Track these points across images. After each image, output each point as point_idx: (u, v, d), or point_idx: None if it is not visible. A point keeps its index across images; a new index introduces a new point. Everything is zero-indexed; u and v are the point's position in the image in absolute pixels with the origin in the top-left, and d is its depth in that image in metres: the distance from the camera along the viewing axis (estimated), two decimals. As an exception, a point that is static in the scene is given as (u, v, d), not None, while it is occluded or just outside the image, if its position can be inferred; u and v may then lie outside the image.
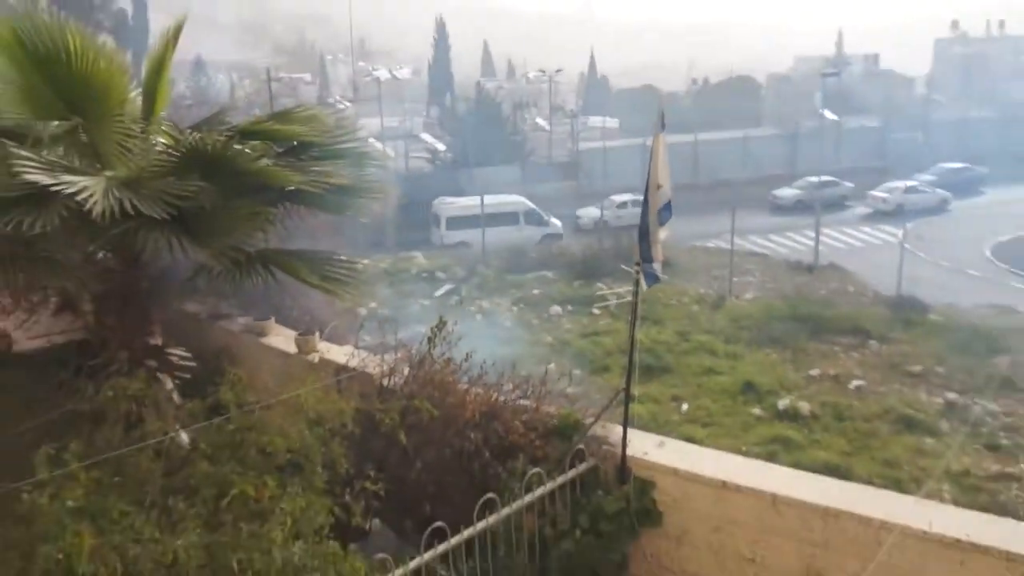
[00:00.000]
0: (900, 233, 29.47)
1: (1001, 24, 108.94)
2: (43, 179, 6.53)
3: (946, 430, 15.96)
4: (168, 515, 4.77)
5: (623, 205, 41.30)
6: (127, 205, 6.54)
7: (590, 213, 41.73)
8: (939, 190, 45.76)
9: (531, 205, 42.03)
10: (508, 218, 40.23)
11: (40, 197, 6.49)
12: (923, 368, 19.65)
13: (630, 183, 42.63)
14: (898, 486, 11.88)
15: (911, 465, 14.23)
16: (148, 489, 5.03)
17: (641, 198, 7.14)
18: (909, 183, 45.81)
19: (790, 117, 71.04)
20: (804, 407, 17.15)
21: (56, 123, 7.70)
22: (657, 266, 7.09)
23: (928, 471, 13.28)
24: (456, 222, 39.84)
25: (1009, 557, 5.27)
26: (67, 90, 7.60)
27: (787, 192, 47.14)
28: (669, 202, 7.00)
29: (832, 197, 43.94)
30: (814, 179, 42.06)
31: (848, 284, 29.40)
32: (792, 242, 37.60)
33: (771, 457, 12.53)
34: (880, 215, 43.04)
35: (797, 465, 8.54)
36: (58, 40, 7.41)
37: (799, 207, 44.14)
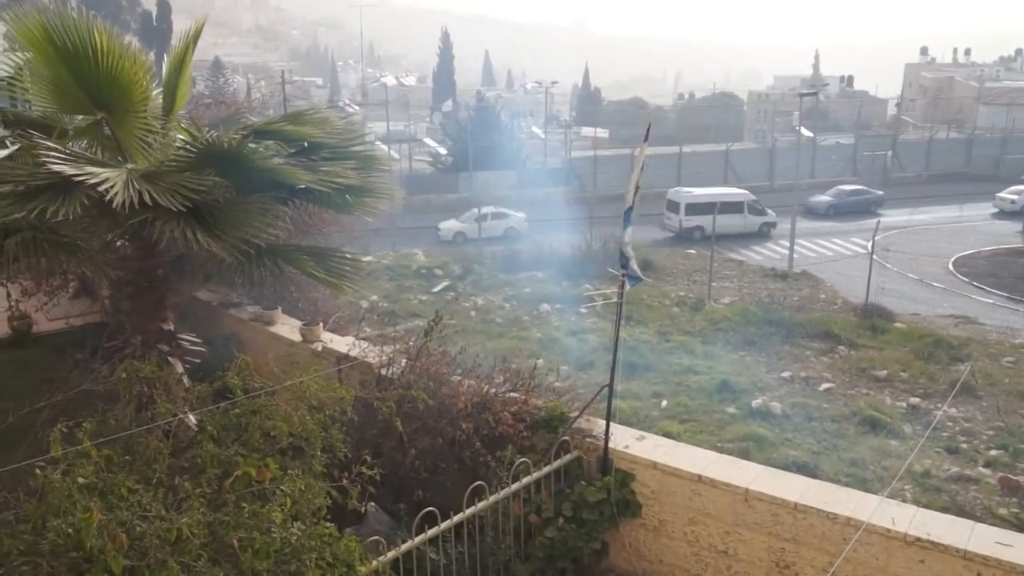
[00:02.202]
0: (869, 245, 29.49)
1: (967, 52, 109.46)
2: (67, 169, 6.48)
3: (909, 433, 15.96)
4: (174, 494, 4.74)
5: (483, 217, 40.35)
6: (146, 197, 6.50)
7: (452, 226, 40.97)
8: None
9: (753, 197, 42.99)
10: (735, 207, 40.94)
11: (64, 186, 6.45)
12: (888, 373, 19.65)
13: (618, 190, 42.59)
14: (863, 485, 11.87)
15: (876, 465, 14.22)
16: (156, 468, 4.99)
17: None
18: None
19: (768, 133, 71.43)
20: (776, 407, 17.13)
21: (81, 117, 7.65)
22: (633, 264, 7.08)
23: (891, 471, 13.26)
24: (693, 208, 40.47)
25: (966, 556, 5.28)
26: (93, 86, 7.54)
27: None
28: (631, 208, 6.99)
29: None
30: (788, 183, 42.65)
31: (820, 291, 29.43)
32: (767, 251, 37.64)
33: (744, 454, 12.48)
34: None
35: (769, 462, 8.52)
36: (86, 38, 7.36)
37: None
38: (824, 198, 47.00)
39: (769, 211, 42.39)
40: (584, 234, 33.15)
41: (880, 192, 48.70)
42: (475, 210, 40.11)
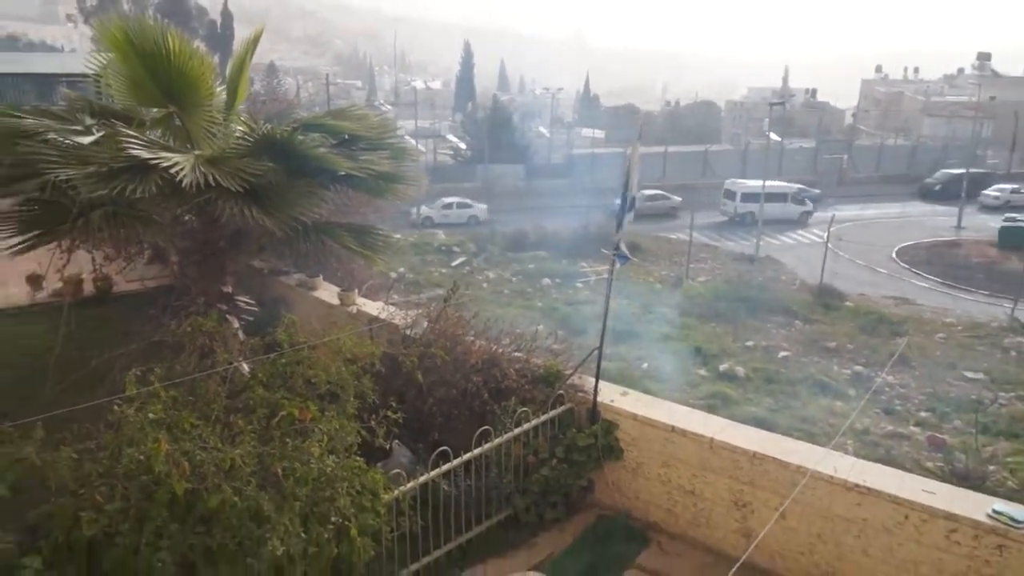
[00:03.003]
0: (825, 235, 29.35)
1: (916, 70, 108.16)
2: (144, 154, 6.49)
3: (852, 396, 15.99)
4: (229, 429, 4.78)
5: (448, 206, 40.29)
6: (210, 179, 6.51)
7: (423, 211, 39.86)
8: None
9: (795, 188, 43.33)
10: (780, 197, 41.35)
11: (141, 168, 6.44)
12: (837, 344, 19.68)
13: (612, 183, 42.36)
14: (812, 438, 11.92)
15: (823, 422, 14.28)
16: (214, 408, 5.03)
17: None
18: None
19: (742, 136, 70.86)
20: (740, 371, 17.20)
21: (156, 109, 7.63)
22: (623, 247, 7.07)
23: (836, 427, 13.31)
24: (747, 197, 40.91)
25: (895, 500, 5.31)
26: (166, 83, 7.52)
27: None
28: (635, 199, 6.98)
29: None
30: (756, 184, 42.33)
31: (781, 274, 29.38)
32: (737, 238, 37.50)
33: (712, 409, 12.53)
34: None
35: (732, 416, 8.52)
36: (160, 41, 7.34)
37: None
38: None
39: (808, 201, 42.87)
40: (583, 219, 33.07)
41: (817, 191, 47.82)
42: (443, 199, 40.09)
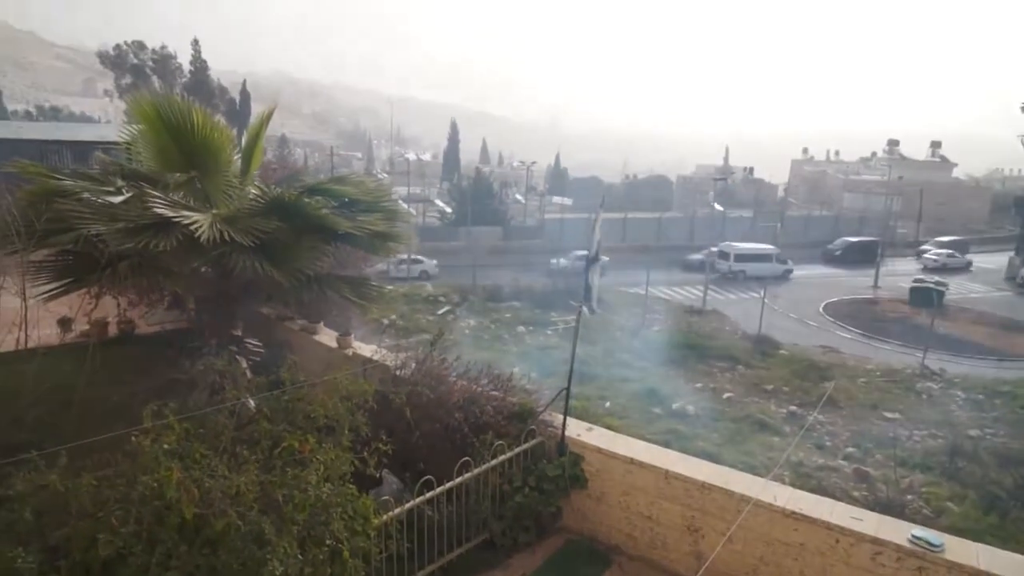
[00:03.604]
0: (762, 292, 29.71)
1: (837, 152, 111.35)
2: (167, 212, 6.48)
3: (788, 432, 16.00)
4: (235, 459, 4.66)
5: (402, 262, 38.15)
6: (225, 235, 6.50)
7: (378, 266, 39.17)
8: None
9: (778, 250, 43.77)
10: (766, 258, 42.66)
11: (164, 225, 6.42)
12: (774, 387, 19.74)
13: (578, 244, 42.72)
14: (753, 470, 11.84)
15: (763, 455, 14.24)
16: (222, 439, 4.92)
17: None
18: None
19: (690, 206, 72.06)
20: (690, 409, 17.17)
21: (179, 174, 7.65)
22: (593, 303, 7.10)
23: (774, 460, 13.27)
24: (740, 258, 41.92)
25: (828, 526, 5.28)
26: (189, 151, 7.55)
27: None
28: (597, 255, 7.03)
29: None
30: (713, 249, 43.17)
31: (725, 325, 29.58)
32: (687, 293, 37.81)
33: (666, 444, 12.40)
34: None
35: (684, 450, 8.47)
36: (186, 116, 7.39)
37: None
38: (697, 256, 45.42)
39: (789, 261, 43.61)
40: (552, 275, 33.22)
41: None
42: (398, 256, 39.26)
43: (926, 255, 49.98)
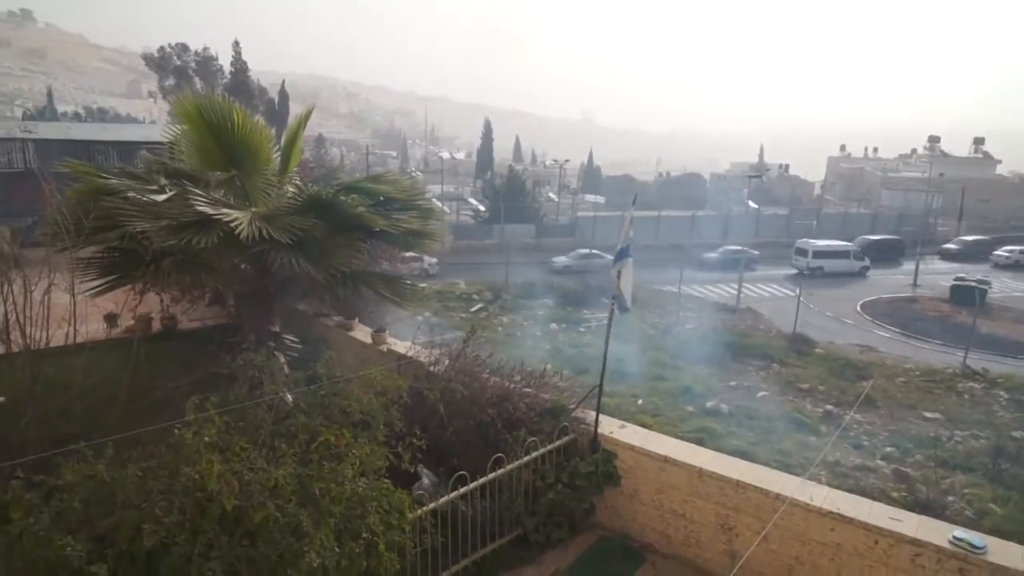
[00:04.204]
0: (797, 290, 29.14)
1: (875, 149, 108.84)
2: (208, 211, 6.58)
3: (824, 431, 15.69)
4: (273, 452, 4.73)
5: (403, 260, 37.88)
6: (264, 232, 6.58)
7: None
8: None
9: (855, 247, 43.45)
10: (843, 254, 42.05)
11: (205, 223, 6.53)
12: (810, 386, 19.38)
13: (611, 241, 42.44)
14: (788, 469, 11.64)
15: (798, 455, 13.97)
16: (261, 432, 4.99)
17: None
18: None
19: (725, 204, 71.12)
20: (724, 407, 16.93)
21: (220, 172, 7.76)
22: (627, 299, 7.03)
23: (810, 460, 13.02)
24: (818, 254, 41.37)
25: (866, 526, 5.17)
26: (230, 150, 7.66)
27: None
28: (624, 250, 6.92)
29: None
30: (734, 247, 42.74)
31: (759, 323, 29.09)
32: (720, 290, 37.28)
33: (699, 442, 12.28)
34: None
35: (718, 449, 8.36)
36: (226, 115, 7.49)
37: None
38: (713, 255, 44.22)
39: (866, 258, 42.88)
40: (554, 274, 32.94)
41: (756, 252, 45.79)
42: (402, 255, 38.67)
43: (995, 252, 49.01)
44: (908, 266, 43.64)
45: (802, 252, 42.27)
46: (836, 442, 14.67)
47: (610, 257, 40.22)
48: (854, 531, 5.21)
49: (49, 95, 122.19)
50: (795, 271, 40.88)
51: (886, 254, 46.54)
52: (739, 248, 42.57)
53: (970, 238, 53.04)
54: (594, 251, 41.21)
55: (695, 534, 6.24)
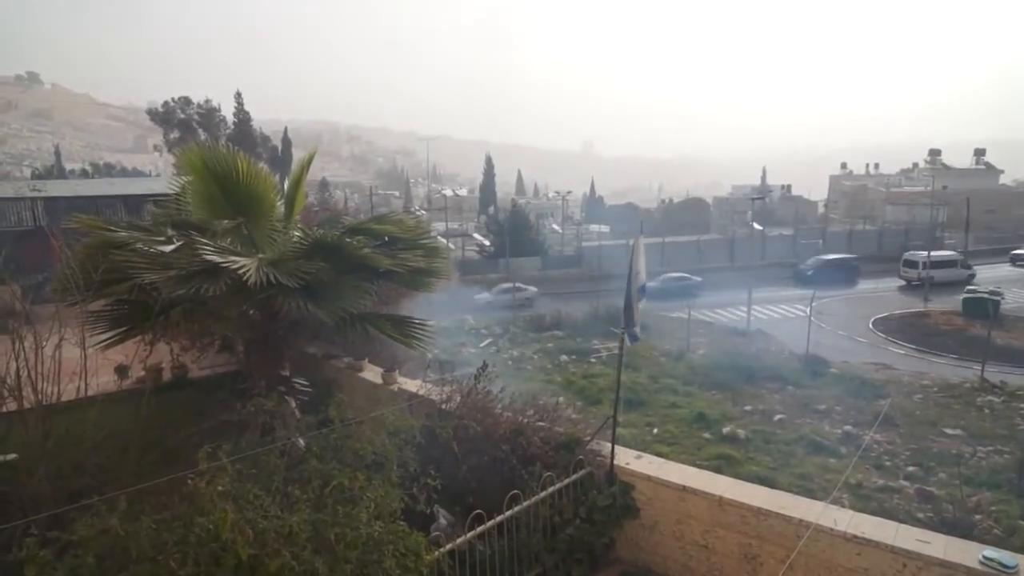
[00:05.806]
0: (808, 310, 28.98)
1: (876, 165, 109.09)
2: (216, 259, 6.62)
3: (844, 453, 15.45)
4: (287, 499, 4.69)
5: None
6: (271, 278, 6.60)
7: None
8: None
9: (960, 256, 45.09)
10: (951, 263, 43.79)
11: (213, 271, 6.57)
12: (826, 407, 19.13)
13: (617, 270, 42.40)
14: (810, 494, 11.45)
15: (819, 478, 13.73)
16: (274, 479, 4.95)
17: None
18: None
19: (729, 227, 71.22)
20: (741, 433, 16.71)
21: (226, 221, 7.84)
22: (637, 329, 7.01)
23: (832, 483, 12.79)
24: (927, 265, 42.20)
25: (892, 550, 5.07)
26: (235, 198, 7.75)
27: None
28: (644, 284, 6.97)
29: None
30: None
31: (771, 345, 28.85)
32: (729, 314, 37.07)
33: (717, 469, 12.10)
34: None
35: (737, 476, 8.25)
36: (230, 164, 7.59)
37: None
38: (653, 283, 41.00)
39: (972, 267, 44.05)
40: (593, 303, 32.95)
41: (699, 279, 44.09)
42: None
43: (1014, 252, 50.30)
44: (864, 285, 44.37)
45: (911, 264, 43.72)
46: (857, 463, 14.43)
47: (533, 289, 40.83)
48: (881, 555, 5.10)
49: (57, 154, 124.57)
50: (903, 282, 42.84)
51: (846, 274, 46.63)
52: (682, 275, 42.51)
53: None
54: (518, 284, 39.93)
55: (718, 565, 6.12)
